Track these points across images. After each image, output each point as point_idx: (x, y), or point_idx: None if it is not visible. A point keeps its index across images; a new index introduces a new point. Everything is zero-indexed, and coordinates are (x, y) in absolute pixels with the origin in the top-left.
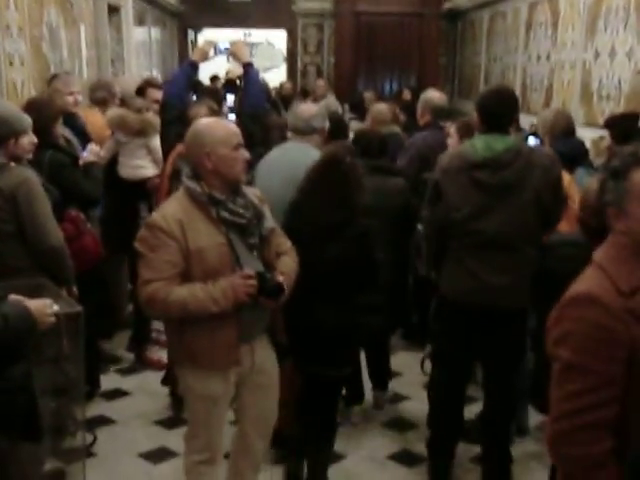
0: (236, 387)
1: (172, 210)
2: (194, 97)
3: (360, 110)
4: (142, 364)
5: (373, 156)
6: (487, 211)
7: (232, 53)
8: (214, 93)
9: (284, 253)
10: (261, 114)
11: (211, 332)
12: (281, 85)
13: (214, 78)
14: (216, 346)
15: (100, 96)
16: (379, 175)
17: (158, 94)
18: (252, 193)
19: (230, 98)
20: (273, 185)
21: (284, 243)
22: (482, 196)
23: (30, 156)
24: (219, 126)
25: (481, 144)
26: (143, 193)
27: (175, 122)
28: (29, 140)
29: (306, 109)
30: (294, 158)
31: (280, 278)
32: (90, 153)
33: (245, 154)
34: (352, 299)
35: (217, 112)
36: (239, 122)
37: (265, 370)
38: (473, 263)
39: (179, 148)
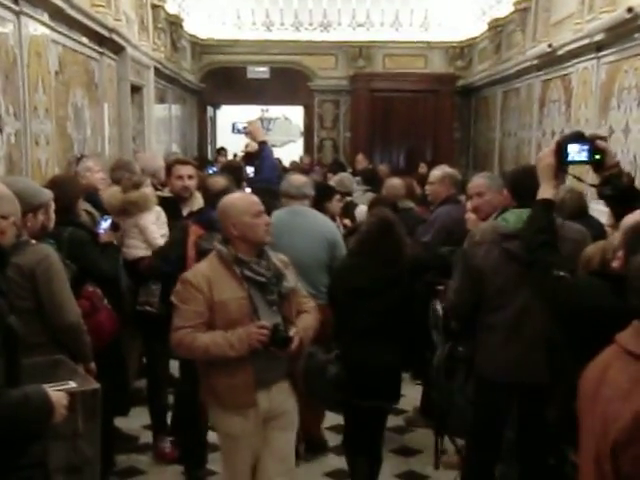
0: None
1: (202, 268)
2: (210, 171)
3: (374, 182)
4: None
5: None
6: (518, 283)
7: (249, 132)
8: (236, 170)
9: (306, 311)
10: (272, 187)
11: (230, 375)
12: (301, 158)
13: (220, 150)
14: (234, 387)
15: (120, 175)
16: None
17: (183, 170)
18: (276, 257)
19: (250, 170)
20: (298, 243)
21: (306, 303)
22: (514, 267)
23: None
24: (241, 199)
25: (513, 218)
26: (141, 275)
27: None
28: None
29: (298, 178)
30: (314, 220)
31: (292, 332)
32: (105, 233)
33: (266, 219)
34: (400, 341)
35: (234, 184)
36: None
37: (284, 412)
38: (509, 338)
39: (196, 231)
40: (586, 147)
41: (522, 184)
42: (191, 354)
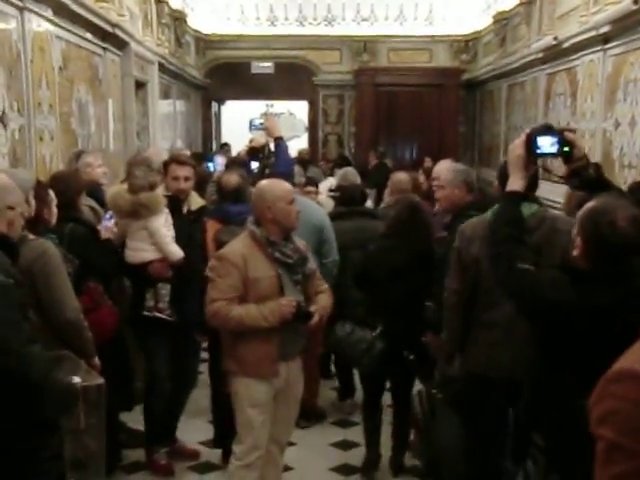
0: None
1: (238, 246)
2: (209, 164)
3: (374, 177)
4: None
5: (357, 203)
6: None
7: (266, 128)
8: (241, 165)
9: (322, 292)
10: (289, 180)
11: (258, 346)
12: (299, 151)
13: (224, 145)
14: (261, 358)
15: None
16: (363, 218)
17: (179, 171)
18: (299, 241)
19: (254, 165)
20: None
21: (321, 284)
22: None
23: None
24: (278, 185)
25: None
26: (148, 279)
27: None
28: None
29: None
30: (302, 207)
31: (312, 309)
32: (105, 230)
33: (297, 207)
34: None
35: (246, 180)
36: None
37: (294, 384)
38: (508, 334)
39: (213, 225)
40: (555, 139)
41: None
42: (226, 324)
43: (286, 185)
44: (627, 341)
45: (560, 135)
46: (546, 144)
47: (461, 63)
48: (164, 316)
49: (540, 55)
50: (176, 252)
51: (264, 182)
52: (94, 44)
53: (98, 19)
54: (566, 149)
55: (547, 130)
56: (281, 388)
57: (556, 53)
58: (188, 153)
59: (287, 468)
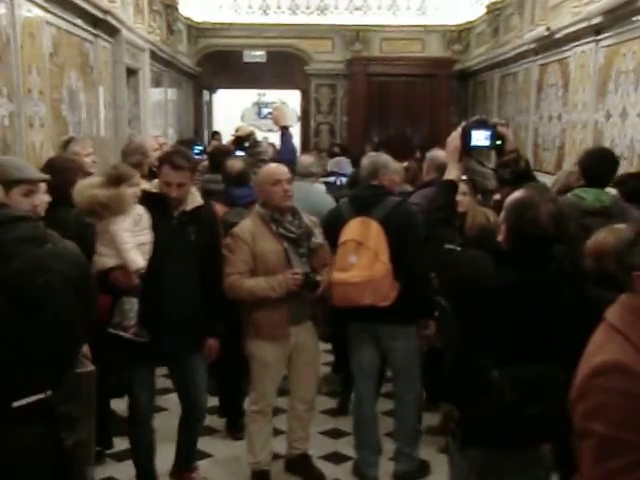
0: (288, 359)
1: (247, 224)
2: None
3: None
4: None
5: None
6: None
7: (274, 117)
8: (225, 153)
9: (328, 265)
10: (292, 167)
11: (270, 312)
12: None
13: (215, 134)
14: (273, 322)
15: (135, 160)
16: None
17: (172, 177)
18: (307, 217)
19: (239, 153)
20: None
21: (330, 258)
22: None
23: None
24: (266, 169)
25: (590, 196)
26: (112, 290)
27: None
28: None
29: (306, 159)
30: (308, 195)
31: (319, 278)
32: None
33: (284, 187)
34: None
35: (250, 164)
36: None
37: (306, 348)
38: None
39: (221, 209)
40: (488, 133)
41: (593, 167)
42: (240, 295)
43: (273, 168)
44: (534, 322)
45: (493, 129)
46: (480, 137)
47: (453, 53)
48: (129, 335)
49: (532, 46)
50: (135, 261)
51: (264, 167)
52: (85, 31)
53: (89, 5)
54: (498, 142)
55: (481, 124)
56: (293, 351)
57: (548, 44)
58: (163, 140)
59: (277, 456)
